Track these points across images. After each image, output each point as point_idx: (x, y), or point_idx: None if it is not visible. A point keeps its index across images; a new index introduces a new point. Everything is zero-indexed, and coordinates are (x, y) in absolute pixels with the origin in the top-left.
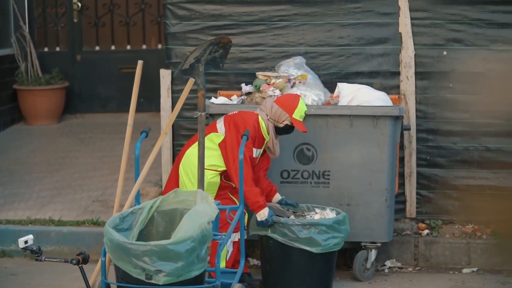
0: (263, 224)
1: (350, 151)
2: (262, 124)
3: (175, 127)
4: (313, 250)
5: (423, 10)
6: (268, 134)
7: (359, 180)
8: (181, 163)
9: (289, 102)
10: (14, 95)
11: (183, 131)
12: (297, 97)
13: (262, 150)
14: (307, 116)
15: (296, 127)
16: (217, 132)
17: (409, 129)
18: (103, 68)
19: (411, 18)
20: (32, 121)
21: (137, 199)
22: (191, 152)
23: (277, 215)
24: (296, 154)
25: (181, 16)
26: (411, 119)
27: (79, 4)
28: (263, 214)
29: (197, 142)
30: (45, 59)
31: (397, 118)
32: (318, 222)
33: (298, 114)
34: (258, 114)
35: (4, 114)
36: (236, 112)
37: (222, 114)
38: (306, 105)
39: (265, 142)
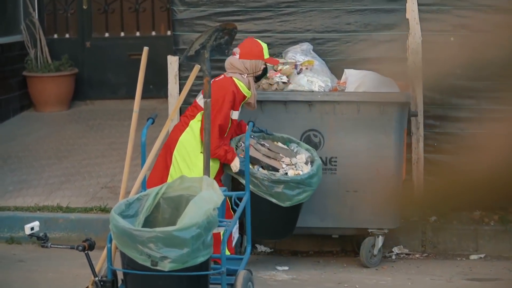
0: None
1: (357, 137)
2: (241, 84)
3: (182, 113)
4: (283, 204)
5: None
6: (250, 90)
7: (366, 166)
8: (175, 150)
9: (254, 50)
10: (23, 81)
11: None
12: (254, 41)
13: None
14: (314, 102)
15: (271, 64)
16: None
17: (416, 115)
18: (113, 55)
19: (418, 4)
20: (42, 108)
21: (143, 185)
22: (185, 138)
23: (252, 163)
24: (303, 140)
25: (188, 2)
26: (418, 105)
27: None
28: (235, 167)
29: (188, 127)
30: (54, 45)
31: (404, 104)
32: (290, 180)
33: (266, 53)
34: (231, 77)
35: (13, 100)
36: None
37: None
38: (313, 91)
39: (246, 99)
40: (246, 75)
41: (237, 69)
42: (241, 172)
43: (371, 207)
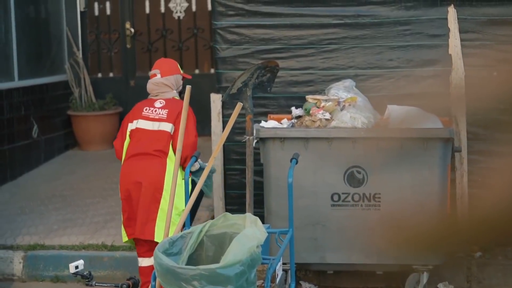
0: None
1: (400, 173)
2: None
3: (225, 151)
4: None
5: (473, 31)
6: None
7: (410, 202)
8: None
9: (172, 65)
10: (68, 121)
11: (234, 155)
12: (167, 59)
13: None
14: (357, 138)
15: (186, 77)
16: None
17: (460, 151)
18: None
19: (461, 40)
20: (86, 147)
21: (187, 223)
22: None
23: None
24: (346, 177)
25: (231, 40)
26: (462, 140)
27: (132, 30)
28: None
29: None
30: (98, 84)
31: (448, 140)
32: None
33: (179, 67)
34: (173, 97)
35: (58, 139)
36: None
37: (273, 138)
38: (356, 128)
39: None
40: (175, 91)
41: (165, 86)
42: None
43: (415, 243)
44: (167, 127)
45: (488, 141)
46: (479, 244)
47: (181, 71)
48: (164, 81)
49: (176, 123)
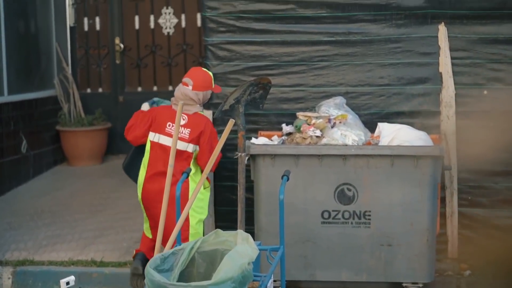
0: None
1: (391, 191)
2: (205, 113)
3: (216, 167)
4: None
5: (464, 49)
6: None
7: (400, 220)
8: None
9: (207, 81)
10: (57, 136)
11: (225, 172)
12: (205, 72)
13: None
14: (348, 156)
15: (216, 92)
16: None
17: (450, 169)
18: None
19: (452, 58)
20: (75, 162)
21: (178, 239)
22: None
23: None
24: (337, 194)
25: (222, 57)
26: (452, 158)
27: (122, 46)
28: None
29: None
30: (87, 100)
31: (438, 158)
32: None
33: (213, 82)
34: (197, 111)
35: (47, 155)
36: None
37: (263, 155)
38: (346, 145)
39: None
40: (199, 106)
41: (192, 100)
42: None
43: (405, 261)
44: (189, 147)
45: (479, 160)
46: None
47: (213, 86)
48: (194, 96)
49: (198, 143)
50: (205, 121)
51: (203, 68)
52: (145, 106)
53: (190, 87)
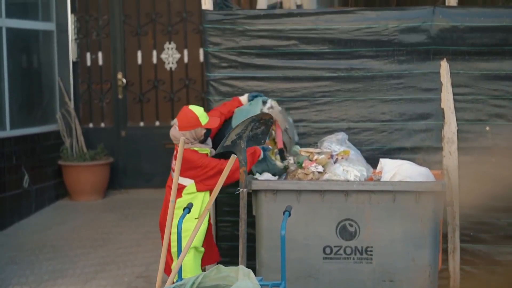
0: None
1: (393, 226)
2: (196, 148)
3: (218, 203)
4: None
5: (465, 85)
6: (206, 147)
7: (402, 255)
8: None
9: (190, 121)
10: (59, 171)
11: (226, 207)
12: (189, 111)
13: None
14: (350, 192)
15: (211, 127)
16: (186, 185)
17: (452, 205)
18: (148, 144)
19: (454, 94)
20: (77, 197)
21: (179, 275)
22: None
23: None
24: (338, 230)
25: (224, 92)
26: (454, 194)
27: (124, 81)
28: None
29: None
30: (90, 135)
31: (440, 194)
32: None
33: (203, 119)
34: (188, 148)
35: (49, 189)
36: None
37: (265, 190)
38: (348, 181)
39: (209, 153)
40: (190, 144)
41: (186, 137)
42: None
43: None
44: (182, 180)
45: (480, 196)
46: None
47: (203, 123)
48: (177, 134)
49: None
50: (188, 157)
51: (190, 107)
52: (244, 99)
53: (177, 128)
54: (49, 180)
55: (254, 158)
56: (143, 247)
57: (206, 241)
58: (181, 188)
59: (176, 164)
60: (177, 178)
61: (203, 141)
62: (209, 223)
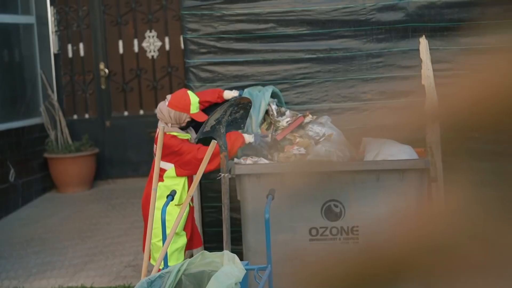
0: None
1: (377, 205)
2: (174, 133)
3: (203, 189)
4: None
5: (445, 61)
6: (186, 133)
7: (388, 233)
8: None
9: (182, 103)
10: (45, 163)
11: (210, 193)
12: (185, 94)
13: None
14: (334, 172)
15: (197, 120)
16: (167, 169)
17: (436, 181)
18: (133, 133)
19: (434, 70)
20: (64, 189)
21: (165, 262)
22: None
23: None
24: (324, 211)
25: (204, 78)
26: (438, 170)
27: (106, 71)
28: (248, 139)
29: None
30: (74, 126)
31: (424, 170)
32: None
33: (194, 108)
34: (163, 129)
35: (35, 183)
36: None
37: (248, 174)
38: (332, 161)
39: (190, 139)
40: (170, 124)
41: (164, 117)
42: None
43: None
44: (163, 164)
45: (465, 171)
46: None
47: (192, 112)
48: (165, 111)
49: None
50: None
51: (188, 91)
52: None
53: (167, 102)
54: (36, 173)
55: (236, 143)
56: (131, 237)
57: (188, 225)
58: (162, 171)
59: (157, 152)
60: (158, 166)
61: (183, 128)
62: (190, 207)
